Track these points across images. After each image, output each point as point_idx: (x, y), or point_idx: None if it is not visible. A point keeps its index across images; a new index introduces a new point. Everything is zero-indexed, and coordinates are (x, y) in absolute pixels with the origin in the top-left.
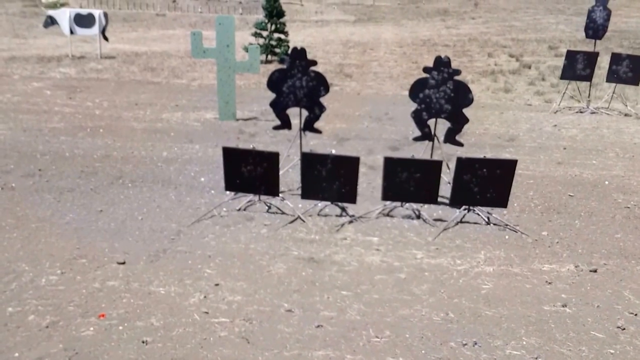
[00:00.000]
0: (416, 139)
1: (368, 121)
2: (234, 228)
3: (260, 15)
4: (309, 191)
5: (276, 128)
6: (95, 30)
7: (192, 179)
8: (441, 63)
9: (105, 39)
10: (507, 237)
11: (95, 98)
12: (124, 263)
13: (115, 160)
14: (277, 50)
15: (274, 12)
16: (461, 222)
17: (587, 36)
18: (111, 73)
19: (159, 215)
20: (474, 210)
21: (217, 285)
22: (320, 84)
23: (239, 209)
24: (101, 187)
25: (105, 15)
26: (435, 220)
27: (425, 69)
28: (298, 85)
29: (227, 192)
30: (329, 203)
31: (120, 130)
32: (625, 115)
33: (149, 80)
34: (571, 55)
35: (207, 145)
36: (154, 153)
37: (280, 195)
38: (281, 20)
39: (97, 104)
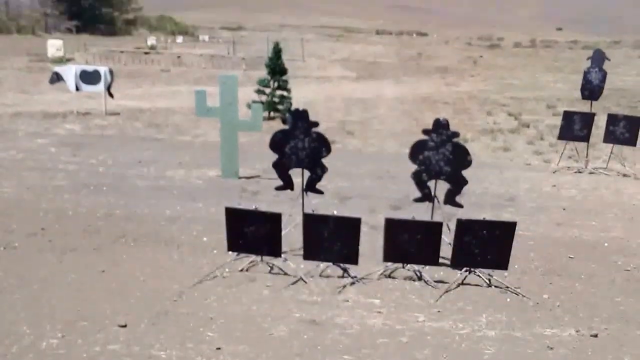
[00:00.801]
0: (416, 200)
1: (370, 179)
2: (236, 289)
3: (263, 72)
4: (310, 252)
5: (278, 188)
6: (100, 87)
7: (194, 238)
8: (440, 125)
9: (111, 95)
10: (508, 299)
11: (100, 155)
12: (125, 326)
13: (118, 218)
14: (280, 107)
15: (277, 70)
16: (463, 284)
17: (584, 97)
18: (115, 129)
19: (161, 276)
20: (475, 272)
21: (218, 349)
22: (322, 145)
23: (242, 270)
24: (104, 246)
25: (111, 72)
26: (437, 282)
27: (425, 131)
28: (300, 147)
29: (230, 252)
30: (331, 264)
31: (124, 188)
32: (624, 175)
33: (153, 137)
34: (568, 116)
35: (209, 204)
36: (157, 211)
37: (282, 255)
38: (284, 77)
39: (101, 161)
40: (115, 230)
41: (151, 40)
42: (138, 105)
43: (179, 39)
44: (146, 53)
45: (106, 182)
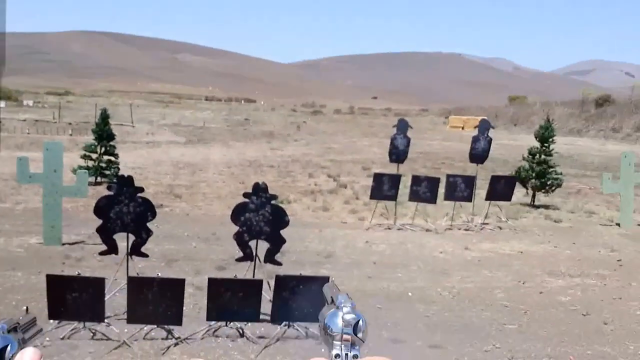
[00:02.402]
0: (239, 260)
1: (196, 242)
2: (57, 358)
3: (91, 137)
4: (135, 315)
5: (102, 253)
6: None
7: (13, 309)
8: (259, 189)
9: None
10: (322, 350)
11: None
12: None
13: None
14: (107, 172)
15: (104, 135)
16: (282, 337)
17: (391, 160)
18: None
19: None
20: (294, 326)
21: None
22: (148, 210)
23: (63, 338)
24: None
25: None
26: (259, 337)
27: (245, 195)
28: (125, 211)
29: (51, 321)
30: (155, 326)
31: None
32: (427, 230)
33: None
34: (378, 178)
35: (30, 272)
36: None
37: (105, 320)
38: (111, 143)
39: None
40: None
41: None
42: None
43: (1, 104)
44: None
45: None
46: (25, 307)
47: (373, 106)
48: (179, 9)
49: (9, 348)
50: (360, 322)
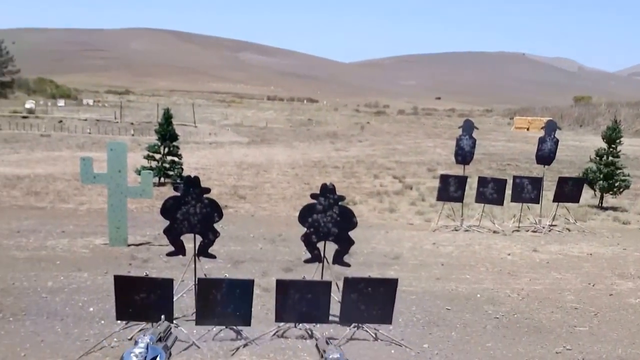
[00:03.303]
0: (307, 261)
1: (262, 243)
2: None
3: (153, 137)
4: (203, 316)
5: (170, 254)
6: None
7: (80, 309)
8: (327, 190)
9: None
10: (392, 351)
11: None
12: None
13: None
14: (171, 172)
15: (167, 136)
16: (351, 339)
17: (457, 162)
18: None
19: (44, 350)
20: (363, 327)
21: None
22: (214, 211)
23: (131, 339)
24: None
25: None
26: (328, 338)
27: (313, 196)
28: (192, 212)
29: (118, 322)
30: (224, 327)
31: (0, 260)
32: (494, 232)
33: (33, 205)
34: (444, 179)
35: (96, 273)
36: (37, 283)
37: (174, 322)
38: (175, 143)
39: None
40: None
41: (29, 104)
42: (15, 171)
43: (61, 102)
44: (24, 117)
45: None
46: (162, 315)
47: (437, 106)
48: (240, 7)
49: (158, 358)
50: None
